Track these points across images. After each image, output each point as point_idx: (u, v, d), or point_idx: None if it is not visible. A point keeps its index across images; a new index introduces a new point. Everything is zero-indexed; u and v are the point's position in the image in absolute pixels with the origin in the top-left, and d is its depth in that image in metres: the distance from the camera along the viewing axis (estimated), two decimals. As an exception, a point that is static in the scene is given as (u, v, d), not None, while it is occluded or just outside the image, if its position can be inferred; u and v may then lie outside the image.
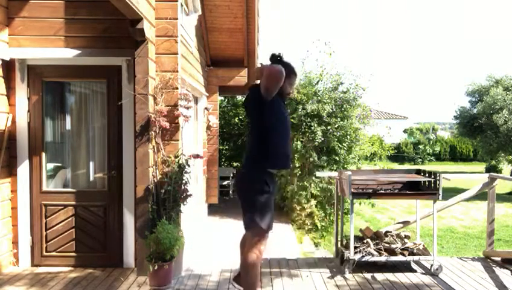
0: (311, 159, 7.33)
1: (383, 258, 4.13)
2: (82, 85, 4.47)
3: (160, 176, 4.11)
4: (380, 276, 4.07)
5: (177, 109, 4.20)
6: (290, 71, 2.99)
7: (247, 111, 3.22)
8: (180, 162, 4.11)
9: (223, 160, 11.61)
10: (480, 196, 5.34)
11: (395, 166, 23.89)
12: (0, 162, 4.05)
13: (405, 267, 4.30)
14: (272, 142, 2.90)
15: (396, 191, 4.50)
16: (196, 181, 6.86)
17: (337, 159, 7.50)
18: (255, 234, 2.89)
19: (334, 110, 7.37)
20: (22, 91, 4.24)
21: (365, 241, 4.34)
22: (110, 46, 4.16)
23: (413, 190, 4.47)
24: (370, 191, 4.44)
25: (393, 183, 4.50)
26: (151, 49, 4.07)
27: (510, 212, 10.71)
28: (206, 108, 7.78)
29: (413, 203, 8.75)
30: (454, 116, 17.96)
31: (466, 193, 4.92)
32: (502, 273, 4.20)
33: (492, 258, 4.64)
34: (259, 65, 2.97)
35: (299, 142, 7.28)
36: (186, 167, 4.14)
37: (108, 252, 4.31)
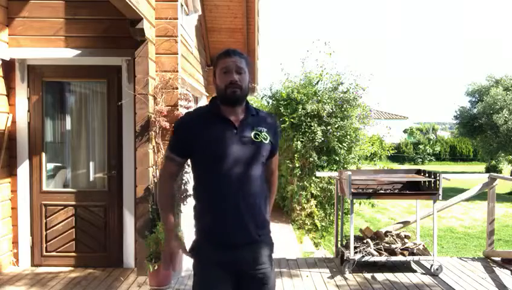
0: (311, 159, 7.33)
1: (383, 258, 4.13)
2: (82, 85, 4.47)
3: (160, 176, 4.10)
4: (380, 276, 4.07)
5: (177, 109, 4.20)
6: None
7: None
8: (180, 162, 4.10)
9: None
10: (480, 196, 5.34)
11: (395, 166, 23.87)
12: (0, 162, 4.05)
13: (405, 267, 4.30)
14: None
15: (396, 191, 4.50)
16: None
17: (337, 159, 7.50)
18: None
19: (334, 110, 7.37)
20: (22, 91, 4.24)
21: (365, 241, 4.34)
22: (110, 46, 4.16)
23: (413, 190, 4.46)
24: (370, 191, 4.44)
25: (393, 183, 4.50)
26: (151, 49, 4.07)
27: (510, 212, 10.70)
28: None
29: (413, 203, 8.73)
30: (454, 116, 17.97)
31: (466, 193, 4.92)
32: (502, 273, 4.20)
33: (493, 258, 4.64)
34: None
35: (299, 142, 7.27)
36: (186, 167, 4.13)
37: (108, 252, 4.31)
